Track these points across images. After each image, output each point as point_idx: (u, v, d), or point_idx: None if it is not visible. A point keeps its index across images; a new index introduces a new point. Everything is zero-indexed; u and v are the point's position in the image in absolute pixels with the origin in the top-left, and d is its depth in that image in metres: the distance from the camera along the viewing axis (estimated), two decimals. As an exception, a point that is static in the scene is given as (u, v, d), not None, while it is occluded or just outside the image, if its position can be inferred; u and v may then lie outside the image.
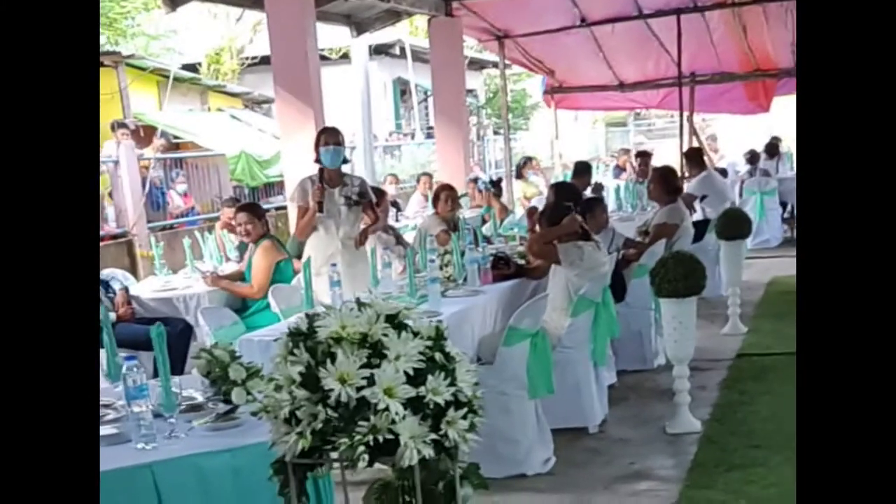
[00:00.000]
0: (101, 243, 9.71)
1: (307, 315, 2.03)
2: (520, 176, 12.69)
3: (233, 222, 6.73)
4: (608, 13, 11.36)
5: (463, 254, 5.55)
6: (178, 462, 2.66)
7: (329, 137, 5.61)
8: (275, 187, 13.45)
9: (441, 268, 5.42)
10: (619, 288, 5.76)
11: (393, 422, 1.85)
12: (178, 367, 5.53)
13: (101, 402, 3.32)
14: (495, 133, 21.29)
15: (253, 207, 6.47)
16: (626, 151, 16.46)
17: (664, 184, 7.18)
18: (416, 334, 1.96)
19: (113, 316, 5.65)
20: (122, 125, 11.17)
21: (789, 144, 14.00)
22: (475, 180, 11.12)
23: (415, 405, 1.89)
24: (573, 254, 4.97)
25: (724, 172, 12.16)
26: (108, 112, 12.83)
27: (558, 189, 6.54)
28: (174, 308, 6.20)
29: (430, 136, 19.90)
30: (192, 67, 18.03)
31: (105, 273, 6.34)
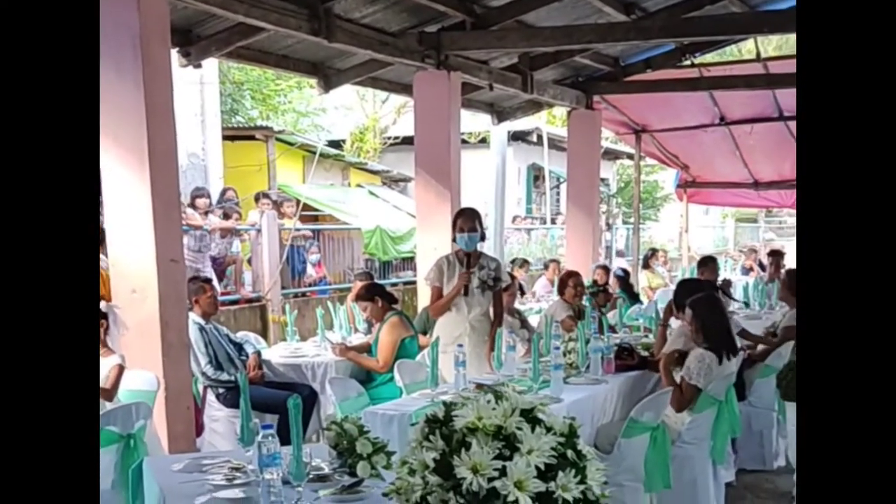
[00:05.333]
0: (237, 306, 10.15)
1: (444, 403, 2.11)
2: (646, 266, 12.61)
3: None
4: (748, 113, 11.35)
5: (588, 342, 5.56)
6: (304, 531, 2.75)
7: (465, 223, 5.72)
8: (405, 263, 13.73)
9: (564, 354, 5.44)
10: (739, 386, 5.63)
11: (522, 514, 1.89)
12: (302, 432, 5.68)
13: (231, 464, 3.48)
14: (624, 223, 21.19)
15: (365, 294, 6.41)
16: (754, 251, 16.07)
17: (795, 285, 7.00)
18: (549, 429, 2.01)
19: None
20: (265, 196, 11.71)
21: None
22: (604, 268, 11.10)
23: (544, 499, 1.93)
24: (700, 367, 4.88)
25: None
26: (256, 183, 13.52)
27: (680, 287, 6.39)
28: (302, 374, 6.40)
29: (553, 221, 20.00)
30: (336, 144, 18.71)
31: (239, 336, 6.62)
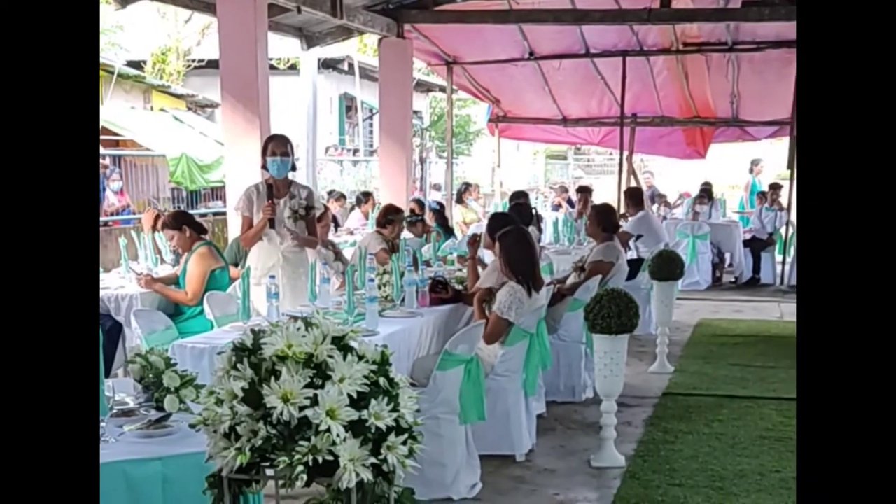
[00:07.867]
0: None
1: (252, 331, 2.04)
2: (460, 201, 12.81)
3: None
4: (556, 49, 11.61)
5: (402, 275, 5.58)
6: (107, 468, 2.61)
7: (277, 147, 5.57)
8: (215, 192, 13.32)
9: (379, 287, 5.44)
10: (549, 320, 5.83)
11: (333, 443, 1.87)
12: (105, 367, 5.43)
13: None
14: (438, 156, 21.41)
15: (172, 222, 6.15)
16: (565, 190, 16.68)
17: (601, 221, 7.30)
18: (361, 357, 1.98)
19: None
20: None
21: (722, 191, 14.41)
22: (419, 202, 11.18)
23: (356, 428, 1.91)
24: (511, 302, 4.99)
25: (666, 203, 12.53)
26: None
27: (492, 221, 6.50)
28: (105, 307, 6.10)
29: (371, 153, 19.92)
30: (136, 65, 17.79)
31: (34, 268, 6.19)
